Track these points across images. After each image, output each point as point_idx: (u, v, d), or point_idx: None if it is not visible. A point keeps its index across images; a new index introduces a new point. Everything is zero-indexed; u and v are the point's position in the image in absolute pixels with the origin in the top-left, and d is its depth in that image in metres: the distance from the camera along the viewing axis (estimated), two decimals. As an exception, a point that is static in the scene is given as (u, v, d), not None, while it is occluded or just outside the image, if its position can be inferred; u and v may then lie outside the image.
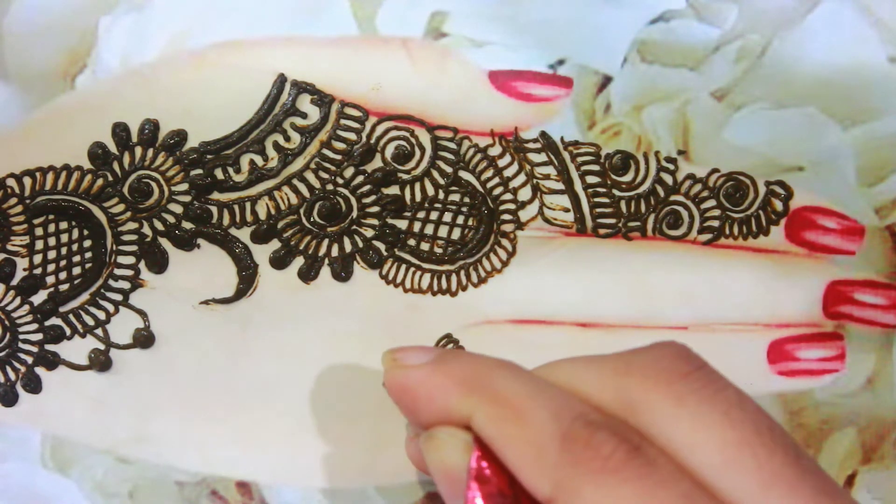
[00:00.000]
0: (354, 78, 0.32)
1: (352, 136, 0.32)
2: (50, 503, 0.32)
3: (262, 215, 0.32)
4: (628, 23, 0.32)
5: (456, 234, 0.32)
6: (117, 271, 0.32)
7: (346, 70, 0.32)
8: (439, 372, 0.25)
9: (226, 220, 0.32)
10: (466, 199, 0.32)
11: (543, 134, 0.32)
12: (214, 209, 0.31)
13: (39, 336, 0.31)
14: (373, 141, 0.32)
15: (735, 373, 0.33)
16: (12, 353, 0.31)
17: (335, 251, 0.32)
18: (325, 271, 0.32)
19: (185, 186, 0.31)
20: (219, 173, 0.31)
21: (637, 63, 0.32)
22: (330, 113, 0.31)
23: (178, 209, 0.31)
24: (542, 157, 0.32)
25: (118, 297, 0.32)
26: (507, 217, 0.32)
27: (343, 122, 0.31)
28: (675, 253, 0.33)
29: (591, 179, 0.32)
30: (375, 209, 0.32)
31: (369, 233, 0.32)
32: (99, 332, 0.32)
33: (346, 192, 0.32)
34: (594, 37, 0.32)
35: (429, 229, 0.32)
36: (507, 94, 0.32)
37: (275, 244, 0.32)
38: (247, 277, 0.32)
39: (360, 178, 0.32)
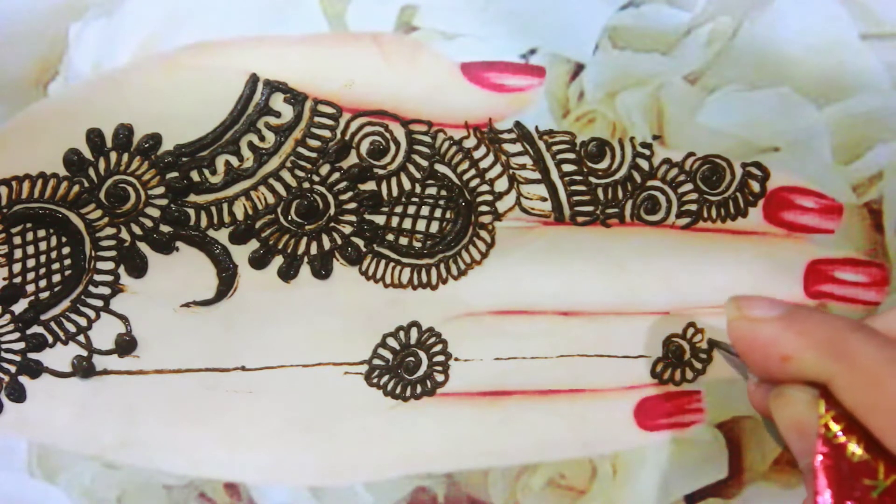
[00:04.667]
0: (327, 75, 0.32)
1: (326, 133, 0.32)
2: (38, 511, 0.32)
3: (240, 216, 0.32)
4: (599, 9, 0.32)
5: (434, 227, 0.32)
6: (97, 277, 0.31)
7: (318, 67, 0.32)
8: (792, 330, 0.25)
9: (203, 222, 0.32)
10: (443, 192, 0.32)
11: (518, 124, 0.32)
12: (192, 211, 0.31)
13: (22, 345, 0.31)
14: (347, 137, 0.32)
15: (719, 356, 0.33)
16: (-5, 362, 0.31)
17: (314, 249, 0.32)
18: (305, 269, 0.32)
19: (161, 190, 0.31)
20: (195, 175, 0.31)
21: (609, 49, 0.32)
22: (303, 111, 0.31)
23: (156, 213, 0.31)
24: (518, 148, 0.32)
25: (99, 303, 0.32)
26: (484, 208, 0.32)
27: (317, 119, 0.31)
28: (654, 238, 0.32)
29: (567, 168, 0.32)
30: (353, 205, 0.32)
31: (347, 229, 0.32)
32: (81, 338, 0.32)
33: (322, 189, 0.32)
34: (565, 25, 0.32)
35: (407, 223, 0.32)
36: (479, 86, 0.32)
37: (253, 244, 0.32)
38: (226, 279, 0.32)
39: (336, 175, 0.32)
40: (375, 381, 0.32)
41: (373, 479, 0.32)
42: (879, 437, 0.23)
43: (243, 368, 0.32)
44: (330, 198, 0.32)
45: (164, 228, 0.31)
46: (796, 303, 0.28)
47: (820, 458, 0.23)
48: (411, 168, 0.32)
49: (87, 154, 0.31)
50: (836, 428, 0.23)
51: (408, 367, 0.32)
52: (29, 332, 0.31)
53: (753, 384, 0.28)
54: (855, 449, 0.23)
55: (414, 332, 0.32)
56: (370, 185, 0.32)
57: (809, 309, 0.26)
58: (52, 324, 0.32)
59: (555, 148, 0.32)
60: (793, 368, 0.25)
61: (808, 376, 0.24)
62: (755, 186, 0.32)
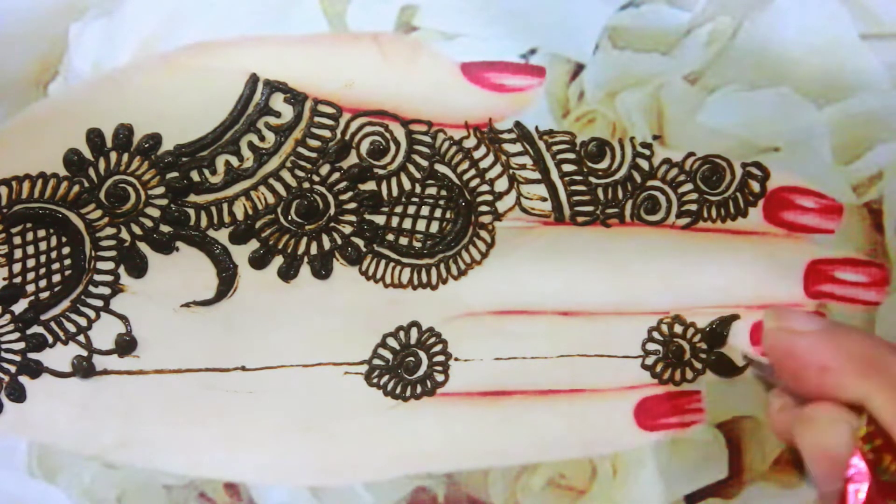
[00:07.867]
0: (327, 75, 0.32)
1: (326, 133, 0.32)
2: (38, 511, 0.32)
3: (240, 216, 0.32)
4: (599, 9, 0.32)
5: (434, 227, 0.32)
6: (97, 277, 0.31)
7: (318, 67, 0.32)
8: (831, 344, 0.25)
9: (203, 222, 0.32)
10: (443, 192, 0.32)
11: (518, 124, 0.32)
12: (192, 211, 0.31)
13: (21, 345, 0.31)
14: (347, 137, 0.32)
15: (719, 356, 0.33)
16: (-5, 362, 0.31)
17: (314, 249, 0.32)
18: (305, 269, 0.32)
19: (161, 190, 0.31)
20: (195, 175, 0.31)
21: (609, 49, 0.32)
22: (303, 111, 0.31)
23: (156, 213, 0.31)
24: (518, 148, 0.32)
25: (99, 303, 0.32)
26: (484, 208, 0.32)
27: (317, 119, 0.31)
28: (654, 238, 0.32)
29: (567, 168, 0.32)
30: (353, 205, 0.32)
31: (347, 229, 0.32)
32: (81, 338, 0.32)
33: (322, 189, 0.32)
34: (565, 25, 0.32)
35: (407, 223, 0.32)
36: (479, 86, 0.32)
37: (253, 244, 0.32)
38: (226, 279, 0.32)
39: (336, 175, 0.32)
40: (375, 381, 0.32)
41: (373, 479, 0.33)
42: None
43: (243, 368, 0.32)
44: (330, 198, 0.32)
45: (164, 228, 0.31)
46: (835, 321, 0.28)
47: (853, 469, 0.23)
48: (411, 168, 0.32)
49: (87, 154, 0.31)
50: (872, 443, 0.23)
51: (408, 367, 0.32)
52: (29, 332, 0.31)
53: (776, 408, 0.28)
54: (889, 465, 0.23)
55: (414, 332, 0.32)
56: (370, 185, 0.32)
57: (848, 326, 0.26)
58: (52, 324, 0.32)
59: (555, 148, 0.32)
60: (831, 381, 0.24)
61: (844, 391, 0.24)
62: (755, 186, 0.32)
